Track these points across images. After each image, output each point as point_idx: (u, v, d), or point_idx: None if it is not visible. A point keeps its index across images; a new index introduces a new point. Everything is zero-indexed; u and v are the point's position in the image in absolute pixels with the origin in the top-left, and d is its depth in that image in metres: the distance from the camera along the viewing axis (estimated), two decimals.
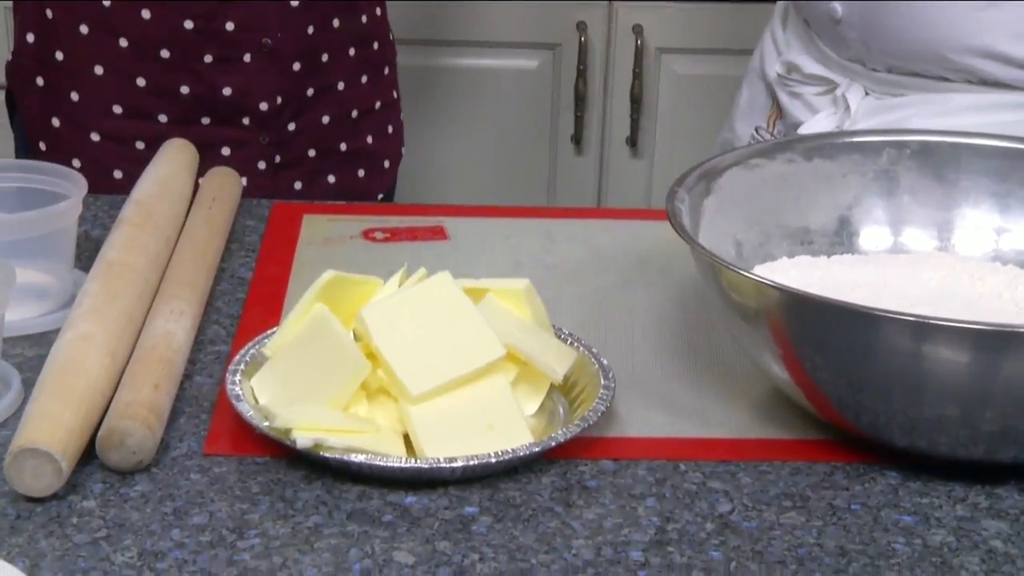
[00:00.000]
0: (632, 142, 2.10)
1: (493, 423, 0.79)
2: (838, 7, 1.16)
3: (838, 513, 0.77)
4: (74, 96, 1.40)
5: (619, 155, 2.13)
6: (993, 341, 0.73)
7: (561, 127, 2.13)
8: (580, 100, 2.10)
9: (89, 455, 0.78)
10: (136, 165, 1.34)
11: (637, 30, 2.07)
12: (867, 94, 1.16)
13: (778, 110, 1.24)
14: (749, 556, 0.73)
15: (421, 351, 0.80)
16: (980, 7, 1.10)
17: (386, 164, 1.52)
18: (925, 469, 0.80)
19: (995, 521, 0.77)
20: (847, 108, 1.15)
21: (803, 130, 1.18)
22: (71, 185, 0.97)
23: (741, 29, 2.01)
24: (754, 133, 1.27)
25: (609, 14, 2.08)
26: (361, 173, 1.49)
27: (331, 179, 1.47)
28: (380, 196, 1.51)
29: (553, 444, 0.79)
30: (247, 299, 0.99)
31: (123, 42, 1.37)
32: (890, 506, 0.78)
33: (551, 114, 2.13)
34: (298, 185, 1.43)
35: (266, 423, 0.78)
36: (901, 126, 1.10)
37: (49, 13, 1.39)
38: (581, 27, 2.06)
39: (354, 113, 1.47)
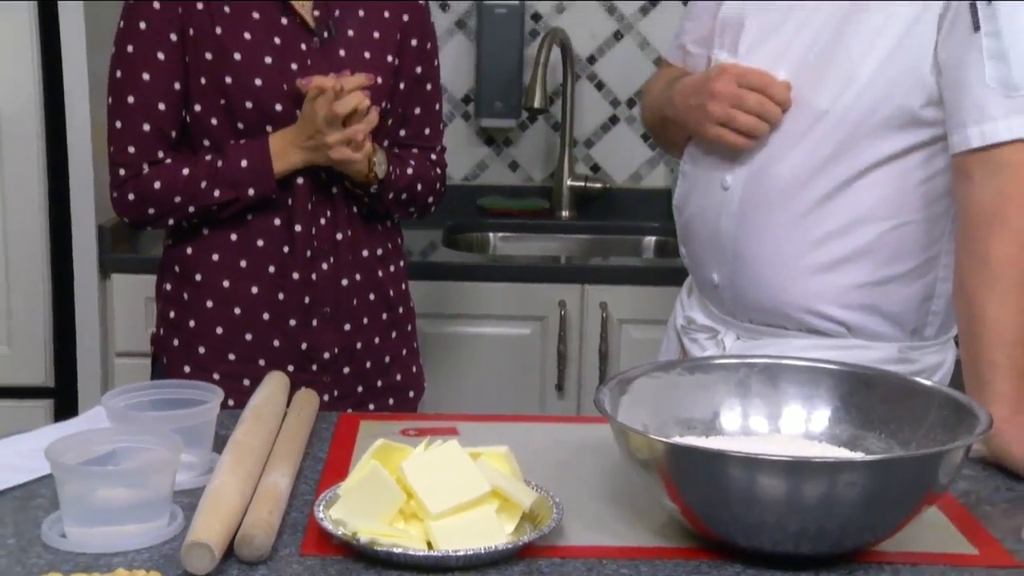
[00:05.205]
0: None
1: (483, 532, 1.08)
2: (715, 277, 1.47)
3: None
4: (201, 350, 1.71)
5: (592, 399, 2.32)
6: (792, 468, 1.01)
7: (547, 378, 2.35)
8: (561, 358, 2.33)
9: (226, 554, 1.06)
10: (244, 396, 1.61)
11: (603, 306, 2.32)
12: (738, 338, 1.45)
13: (683, 351, 1.55)
14: None
15: (438, 488, 1.09)
16: (810, 278, 1.40)
17: (411, 394, 1.81)
18: (762, 562, 1.07)
19: None
20: (724, 348, 1.45)
21: None
22: (212, 394, 1.28)
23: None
24: None
25: (582, 294, 2.33)
26: (391, 402, 1.79)
27: (371, 407, 1.76)
28: None
29: (522, 543, 1.07)
30: (324, 469, 1.29)
31: (237, 310, 1.70)
32: None
33: (540, 368, 2.35)
34: (348, 411, 1.73)
35: (341, 531, 1.07)
36: None
37: (185, 296, 1.73)
38: (561, 304, 2.32)
39: (387, 359, 1.78)
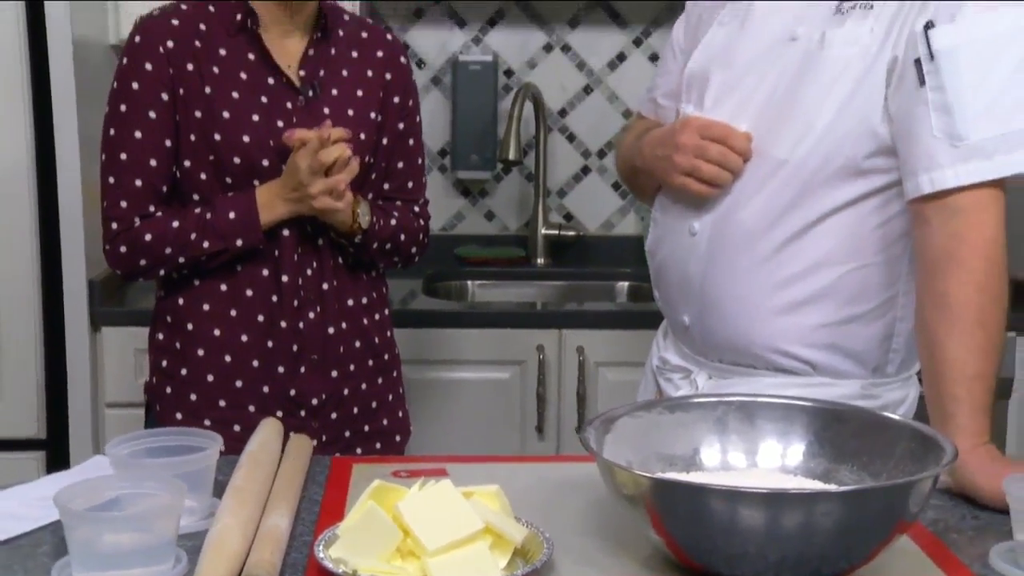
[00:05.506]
0: (580, 431, 2.36)
1: (478, 567, 1.10)
2: (686, 319, 1.50)
3: None
4: (192, 397, 1.73)
5: (571, 440, 2.36)
6: (770, 500, 1.04)
7: (527, 420, 2.37)
8: (541, 400, 2.35)
9: None
10: (235, 442, 1.62)
11: (580, 350, 2.34)
12: (710, 378, 1.48)
13: (659, 391, 1.58)
14: None
15: (433, 525, 1.12)
16: (775, 319, 1.43)
17: (397, 438, 1.83)
18: None
19: None
20: (697, 388, 1.48)
21: None
22: (211, 441, 1.30)
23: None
24: None
25: (560, 339, 2.35)
26: (378, 446, 1.80)
27: (359, 451, 1.78)
28: None
29: None
30: (320, 511, 1.31)
31: (227, 358, 1.72)
32: None
33: (520, 411, 2.37)
34: (337, 455, 1.74)
35: (341, 569, 1.09)
36: None
37: (177, 345, 1.75)
38: (540, 348, 2.34)
39: (374, 404, 1.80)
